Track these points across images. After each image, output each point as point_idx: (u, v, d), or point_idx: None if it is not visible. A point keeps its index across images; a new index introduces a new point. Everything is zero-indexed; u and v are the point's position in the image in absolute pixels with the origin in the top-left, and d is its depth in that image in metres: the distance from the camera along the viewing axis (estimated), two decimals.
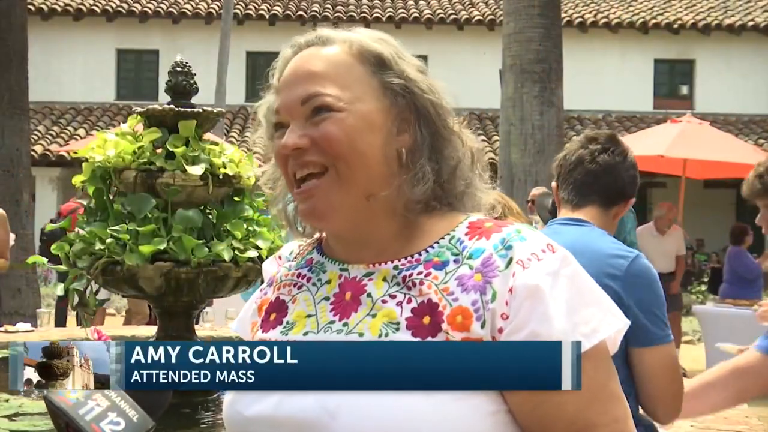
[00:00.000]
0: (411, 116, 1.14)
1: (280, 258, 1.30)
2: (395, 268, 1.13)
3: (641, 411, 2.16)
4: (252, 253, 3.35)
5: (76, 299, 3.31)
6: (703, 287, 14.51)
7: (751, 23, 19.59)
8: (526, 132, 8.57)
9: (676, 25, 19.64)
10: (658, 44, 19.77)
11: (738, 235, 8.85)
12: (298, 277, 1.21)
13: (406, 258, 1.13)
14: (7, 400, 3.35)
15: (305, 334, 1.13)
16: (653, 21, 19.65)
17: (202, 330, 4.92)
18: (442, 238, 1.14)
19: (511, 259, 1.07)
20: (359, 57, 1.15)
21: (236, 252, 3.31)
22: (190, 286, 3.29)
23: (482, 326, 1.05)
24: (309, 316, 1.15)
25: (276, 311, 1.20)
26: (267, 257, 3.36)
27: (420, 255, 1.13)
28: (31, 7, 16.59)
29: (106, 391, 1.00)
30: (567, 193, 2.31)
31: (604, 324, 1.07)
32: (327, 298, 1.15)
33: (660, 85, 20.14)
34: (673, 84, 20.30)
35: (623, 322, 1.10)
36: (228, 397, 1.16)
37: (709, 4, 20.60)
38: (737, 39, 19.67)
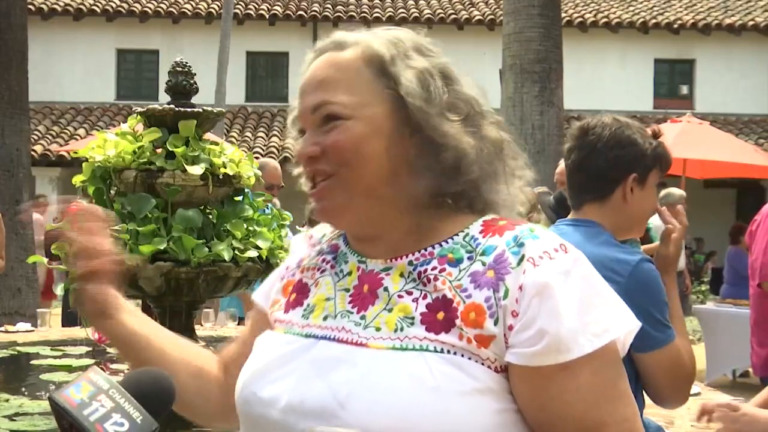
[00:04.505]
0: (411, 120, 1.14)
1: (311, 237, 1.33)
2: (410, 263, 1.14)
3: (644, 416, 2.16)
4: (252, 253, 3.35)
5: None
6: (704, 287, 14.50)
7: (751, 23, 19.60)
8: (526, 132, 8.56)
9: (676, 25, 19.64)
10: (658, 44, 19.78)
11: (737, 235, 8.82)
12: (322, 262, 1.25)
13: (419, 251, 1.15)
14: (7, 400, 3.35)
15: (325, 318, 1.16)
16: (653, 21, 19.66)
17: (202, 330, 4.91)
18: (456, 234, 1.15)
19: (523, 257, 1.07)
20: (367, 60, 1.16)
21: (236, 252, 3.31)
22: (190, 286, 3.29)
23: (495, 323, 1.05)
24: (328, 299, 1.18)
25: (297, 293, 1.24)
26: (267, 257, 3.40)
27: (433, 248, 1.14)
28: (31, 7, 16.59)
29: (110, 392, 1.00)
30: (569, 194, 2.31)
31: (614, 324, 1.07)
32: (347, 290, 1.18)
33: (660, 85, 20.15)
34: (673, 84, 20.31)
35: (634, 324, 1.10)
36: (241, 380, 1.18)
37: (709, 4, 20.61)
38: (737, 39, 19.67)
